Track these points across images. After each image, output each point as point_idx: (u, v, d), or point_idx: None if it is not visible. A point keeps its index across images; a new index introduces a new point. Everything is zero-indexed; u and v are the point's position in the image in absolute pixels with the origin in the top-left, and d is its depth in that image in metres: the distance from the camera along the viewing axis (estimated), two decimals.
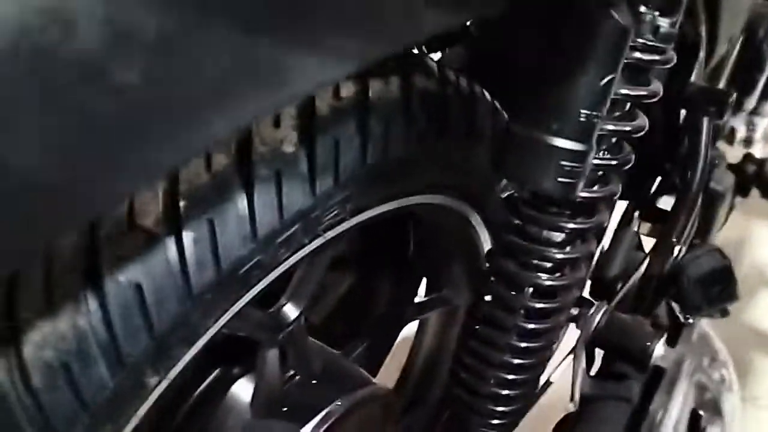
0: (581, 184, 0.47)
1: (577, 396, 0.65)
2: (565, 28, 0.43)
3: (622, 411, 0.65)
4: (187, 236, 0.39)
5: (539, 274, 0.56)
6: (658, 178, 0.94)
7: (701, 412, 0.63)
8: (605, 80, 0.44)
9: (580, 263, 0.58)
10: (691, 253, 0.62)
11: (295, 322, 0.62)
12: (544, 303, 0.57)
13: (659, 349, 0.62)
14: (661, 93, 0.52)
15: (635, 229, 0.91)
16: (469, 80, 0.58)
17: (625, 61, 0.48)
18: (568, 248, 0.56)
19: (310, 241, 0.47)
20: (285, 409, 0.69)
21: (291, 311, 0.61)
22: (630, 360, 0.63)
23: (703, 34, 0.73)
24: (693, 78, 0.76)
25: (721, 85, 1.06)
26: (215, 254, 0.40)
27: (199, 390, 0.70)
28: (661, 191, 0.94)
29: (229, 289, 0.43)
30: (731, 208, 1.23)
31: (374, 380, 0.80)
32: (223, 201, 0.41)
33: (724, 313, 0.66)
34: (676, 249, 0.72)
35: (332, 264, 0.65)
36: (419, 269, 0.89)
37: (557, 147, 0.44)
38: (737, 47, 1.00)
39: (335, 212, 0.48)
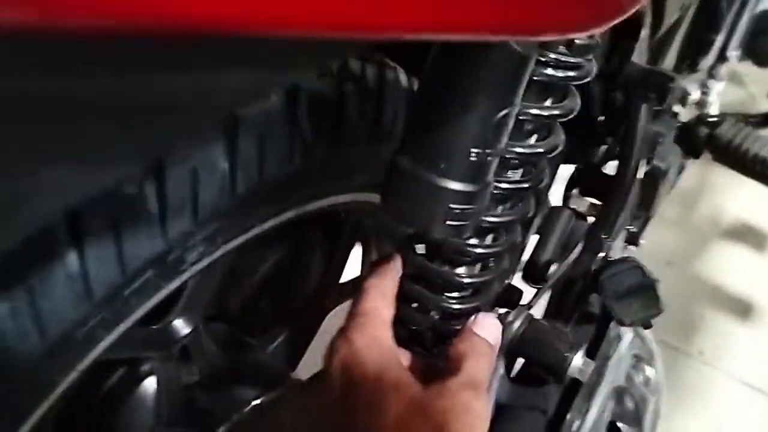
0: (475, 224, 0.42)
1: (491, 403, 0.62)
2: (451, 58, 0.36)
3: (536, 421, 0.62)
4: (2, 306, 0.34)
5: (448, 294, 0.51)
6: (603, 147, 0.89)
7: (620, 425, 0.61)
8: (500, 115, 0.38)
9: (491, 283, 0.53)
10: (611, 268, 0.58)
11: (190, 335, 0.57)
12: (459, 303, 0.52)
13: (577, 360, 0.59)
14: (578, 106, 0.47)
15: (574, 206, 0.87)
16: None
17: (534, 78, 0.42)
18: (475, 269, 0.52)
19: (170, 283, 0.42)
20: (189, 416, 0.66)
21: (183, 327, 0.57)
22: (547, 370, 0.60)
23: (647, 10, 0.66)
24: (635, 57, 0.70)
25: (674, 46, 0.99)
26: (38, 325, 0.35)
27: (102, 391, 0.65)
28: (606, 160, 0.89)
29: (70, 353, 0.38)
30: (681, 170, 1.19)
31: (290, 375, 0.77)
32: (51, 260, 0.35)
33: (647, 326, 0.63)
34: (606, 245, 0.68)
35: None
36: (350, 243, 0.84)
37: (445, 188, 0.39)
38: (693, 7, 0.92)
39: (201, 249, 0.43)
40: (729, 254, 1.66)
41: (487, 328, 0.49)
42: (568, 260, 0.76)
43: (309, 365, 0.82)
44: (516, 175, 0.47)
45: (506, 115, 0.38)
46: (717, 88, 1.04)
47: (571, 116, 0.46)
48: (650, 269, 1.70)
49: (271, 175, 0.45)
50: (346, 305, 0.64)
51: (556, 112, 0.45)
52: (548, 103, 0.45)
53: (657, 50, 0.86)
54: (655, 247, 1.62)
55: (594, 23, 0.30)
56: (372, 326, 0.45)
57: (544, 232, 0.87)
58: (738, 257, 1.65)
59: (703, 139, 1.11)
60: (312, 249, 0.84)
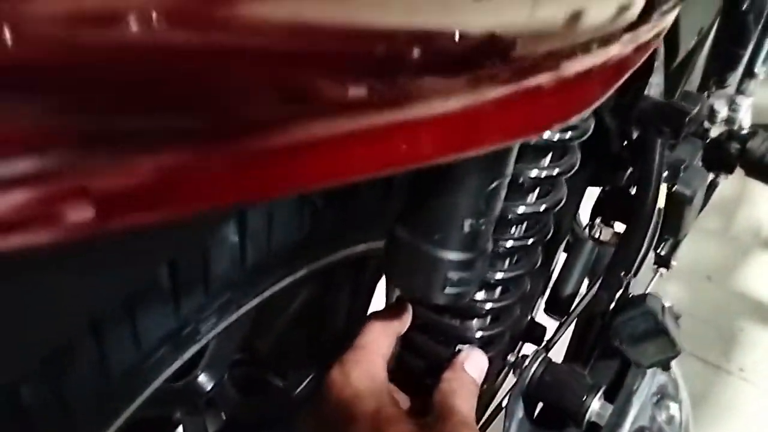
0: (474, 288, 0.43)
1: None
2: None
3: None
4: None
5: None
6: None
7: None
8: (492, 186, 0.39)
9: (502, 334, 0.54)
10: (625, 313, 0.58)
11: (214, 389, 0.59)
12: None
13: (595, 404, 0.59)
14: (578, 163, 0.47)
15: (597, 235, 0.86)
16: None
17: (530, 142, 0.43)
18: (486, 322, 0.52)
19: (187, 353, 0.44)
20: None
21: (207, 382, 0.59)
22: (565, 414, 0.60)
23: (659, 45, 0.65)
24: (653, 86, 0.69)
25: (699, 66, 0.98)
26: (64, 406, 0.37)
27: None
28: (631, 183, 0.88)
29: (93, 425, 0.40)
30: (714, 186, 1.17)
31: None
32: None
33: (666, 368, 0.62)
34: (625, 282, 0.67)
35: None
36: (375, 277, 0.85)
37: (441, 258, 0.40)
38: (715, 26, 0.91)
39: (214, 319, 0.45)
40: None
41: (475, 363, 0.49)
42: (592, 292, 0.76)
43: None
44: (519, 231, 0.48)
45: (498, 186, 0.39)
46: (746, 103, 1.01)
47: (571, 173, 0.46)
48: (690, 284, 1.66)
49: (281, 243, 0.47)
50: None
51: (555, 171, 0.45)
52: (546, 162, 0.45)
53: (677, 76, 0.84)
54: (695, 261, 1.59)
55: (576, 113, 0.31)
56: (369, 361, 0.46)
57: (566, 264, 0.87)
58: None
59: (734, 155, 1.08)
60: (337, 286, 0.85)
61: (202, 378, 0.59)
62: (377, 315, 0.50)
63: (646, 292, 0.66)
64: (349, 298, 0.86)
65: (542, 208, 0.47)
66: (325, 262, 0.57)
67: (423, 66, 0.21)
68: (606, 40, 0.28)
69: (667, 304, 0.67)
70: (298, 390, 0.80)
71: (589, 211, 0.88)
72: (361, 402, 0.44)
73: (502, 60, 0.23)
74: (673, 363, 0.74)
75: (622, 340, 0.57)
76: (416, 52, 0.20)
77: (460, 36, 0.22)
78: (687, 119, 0.65)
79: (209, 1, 0.15)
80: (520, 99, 0.25)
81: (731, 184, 1.19)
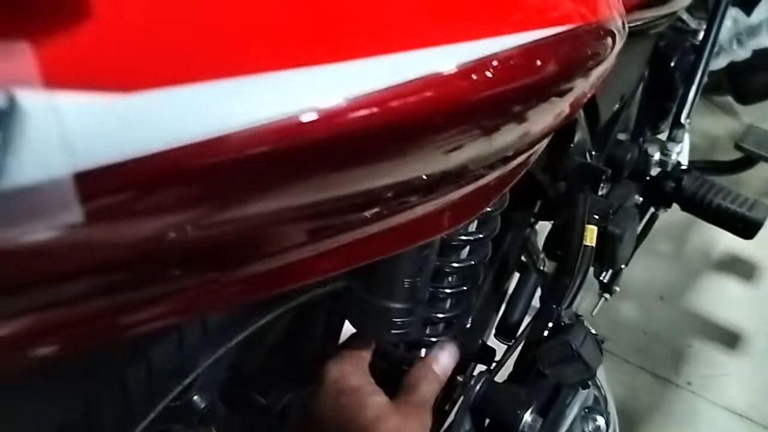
0: (416, 329, 0.55)
1: None
2: None
3: None
4: None
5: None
6: None
7: None
8: (423, 254, 0.51)
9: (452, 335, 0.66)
10: (547, 343, 0.70)
11: (206, 408, 0.71)
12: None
13: (528, 417, 0.71)
14: (498, 228, 0.59)
15: (541, 267, 0.99)
16: None
17: None
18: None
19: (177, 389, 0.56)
20: None
21: (200, 401, 0.70)
22: (503, 428, 0.72)
23: (578, 118, 0.78)
24: (579, 148, 0.82)
25: (633, 113, 1.11)
26: None
27: None
28: None
29: None
30: (654, 219, 1.30)
31: None
32: None
33: (584, 386, 0.75)
34: (555, 313, 0.79)
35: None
36: None
37: (387, 307, 0.52)
38: (641, 85, 1.04)
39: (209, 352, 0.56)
40: (719, 286, 1.75)
41: (440, 361, 0.64)
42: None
43: None
44: (454, 280, 0.60)
45: (427, 254, 0.51)
46: (676, 149, 1.15)
47: (492, 236, 0.59)
48: (644, 303, 1.79)
49: None
50: None
51: (479, 235, 0.58)
52: (472, 228, 0.58)
53: (606, 130, 0.97)
54: (648, 282, 1.73)
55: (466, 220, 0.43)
56: (353, 354, 0.61)
57: (514, 293, 0.99)
58: (727, 289, 1.74)
59: (670, 192, 1.22)
60: (313, 316, 0.97)
61: (196, 399, 0.70)
62: (354, 335, 0.63)
63: (574, 321, 0.77)
64: (323, 324, 0.98)
65: (470, 261, 0.59)
66: (301, 300, 0.68)
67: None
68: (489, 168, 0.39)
69: (592, 331, 0.79)
70: (279, 406, 0.91)
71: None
72: (347, 380, 0.59)
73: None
74: (605, 379, 0.86)
75: (544, 364, 0.69)
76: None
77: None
78: (604, 177, 0.78)
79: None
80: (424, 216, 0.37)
81: (680, 211, 1.33)
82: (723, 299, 1.71)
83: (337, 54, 0.25)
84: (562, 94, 0.34)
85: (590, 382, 0.82)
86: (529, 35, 0.30)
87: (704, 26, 1.15)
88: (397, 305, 0.52)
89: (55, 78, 0.18)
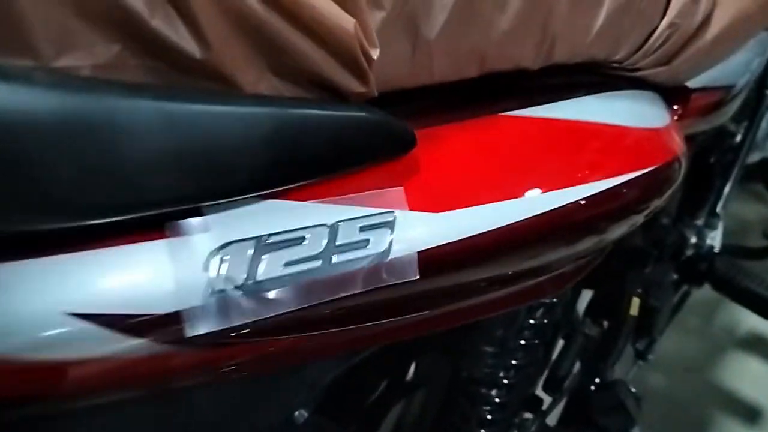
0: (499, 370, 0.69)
1: None
2: None
3: None
4: None
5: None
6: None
7: None
8: (516, 311, 0.65)
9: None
10: (599, 394, 0.83)
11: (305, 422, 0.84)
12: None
13: None
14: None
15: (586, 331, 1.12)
16: None
17: None
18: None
19: None
20: None
21: (302, 415, 0.84)
22: None
23: None
24: None
25: (674, 201, 1.25)
26: None
27: None
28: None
29: None
30: (687, 295, 1.43)
31: None
32: None
33: None
34: (601, 371, 0.92)
35: None
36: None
37: (483, 351, 0.66)
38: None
39: None
40: (743, 364, 1.85)
41: None
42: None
43: None
44: (530, 334, 0.74)
45: (518, 312, 0.66)
46: (711, 234, 1.28)
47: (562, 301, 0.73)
48: (670, 374, 1.90)
49: None
50: None
51: (551, 300, 0.72)
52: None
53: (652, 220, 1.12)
54: (676, 354, 1.84)
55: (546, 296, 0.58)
56: None
57: (561, 352, 1.12)
58: (750, 367, 1.85)
59: (703, 272, 1.35)
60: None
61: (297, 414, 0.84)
62: None
63: (618, 378, 0.90)
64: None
65: (544, 321, 0.73)
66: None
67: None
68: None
69: (632, 389, 0.92)
70: None
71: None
72: None
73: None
74: None
75: (596, 411, 0.82)
76: None
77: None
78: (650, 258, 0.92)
79: None
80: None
81: (710, 290, 1.46)
82: (746, 376, 1.82)
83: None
84: (640, 212, 0.49)
85: None
86: (627, 176, 0.46)
87: (741, 129, 1.30)
88: (490, 349, 0.66)
89: (411, 205, 0.35)
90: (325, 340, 0.38)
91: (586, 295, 1.14)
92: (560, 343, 1.15)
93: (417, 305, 0.39)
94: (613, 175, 0.45)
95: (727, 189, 1.23)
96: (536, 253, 0.44)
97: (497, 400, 0.77)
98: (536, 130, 0.44)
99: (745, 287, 1.32)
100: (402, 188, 0.36)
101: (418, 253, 0.36)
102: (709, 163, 1.24)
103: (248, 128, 0.29)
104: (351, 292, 0.33)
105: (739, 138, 1.28)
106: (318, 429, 1.01)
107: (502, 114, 0.44)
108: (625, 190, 0.46)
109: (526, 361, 0.75)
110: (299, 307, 0.32)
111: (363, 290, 0.34)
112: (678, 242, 1.26)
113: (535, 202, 0.41)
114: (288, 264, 0.33)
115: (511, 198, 0.40)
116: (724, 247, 1.46)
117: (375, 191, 0.34)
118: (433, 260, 0.37)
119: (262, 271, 0.32)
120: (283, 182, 0.32)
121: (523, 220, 0.40)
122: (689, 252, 1.34)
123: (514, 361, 0.74)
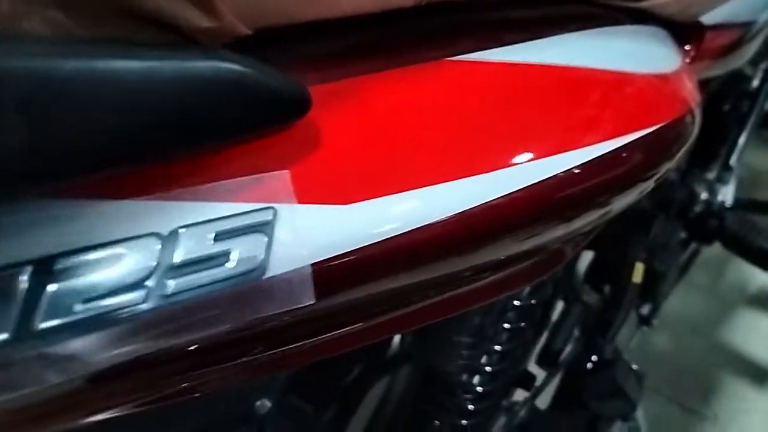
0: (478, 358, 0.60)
1: None
2: None
3: None
4: None
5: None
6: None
7: None
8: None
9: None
10: (594, 375, 0.74)
11: (269, 411, 0.76)
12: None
13: None
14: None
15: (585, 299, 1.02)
16: None
17: None
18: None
19: None
20: None
21: (264, 405, 0.76)
22: None
23: None
24: None
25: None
26: None
27: None
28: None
29: None
30: (696, 254, 1.33)
31: None
32: None
33: (625, 418, 0.79)
34: (601, 346, 0.83)
35: None
36: None
37: (458, 341, 0.57)
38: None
39: None
40: (752, 323, 1.76)
41: None
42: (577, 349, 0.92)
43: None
44: (515, 317, 0.64)
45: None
46: (723, 190, 1.17)
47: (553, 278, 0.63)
48: (677, 335, 1.82)
49: None
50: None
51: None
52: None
53: None
54: (682, 314, 1.75)
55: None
56: None
57: (557, 322, 1.03)
58: (761, 326, 1.76)
59: (712, 230, 1.25)
60: None
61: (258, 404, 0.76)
62: None
63: (617, 356, 0.81)
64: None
65: (531, 302, 0.63)
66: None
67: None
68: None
69: (633, 367, 0.83)
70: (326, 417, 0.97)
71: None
72: None
73: None
74: (641, 410, 0.89)
75: (590, 397, 0.73)
76: None
77: None
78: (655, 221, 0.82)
79: None
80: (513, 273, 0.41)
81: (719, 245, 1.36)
82: (756, 335, 1.73)
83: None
84: (650, 178, 0.38)
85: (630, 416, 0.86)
86: (630, 137, 0.34)
87: (758, 72, 1.17)
88: (466, 339, 0.56)
89: (302, 197, 0.24)
90: (219, 375, 0.28)
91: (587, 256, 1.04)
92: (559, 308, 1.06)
93: (327, 326, 0.29)
94: (612, 137, 0.34)
95: (742, 140, 1.11)
96: (504, 246, 0.33)
97: (479, 388, 0.68)
98: (503, 79, 0.32)
99: (758, 246, 1.22)
100: (287, 172, 0.24)
101: (313, 266, 0.25)
102: (723, 110, 1.12)
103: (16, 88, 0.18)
104: (203, 333, 0.22)
105: (756, 83, 1.16)
106: (293, 412, 0.94)
107: (450, 59, 0.31)
108: (626, 155, 0.34)
109: (511, 345, 0.66)
110: (119, 362, 0.21)
111: (227, 328, 0.23)
112: (687, 199, 1.15)
113: (503, 178, 0.30)
114: (89, 300, 0.21)
115: (465, 176, 0.29)
116: (735, 201, 1.36)
117: (243, 178, 0.22)
118: (337, 274, 0.26)
119: (46, 313, 0.19)
120: (93, 168, 0.20)
121: (485, 203, 0.29)
122: (698, 208, 1.23)
123: (497, 347, 0.65)
